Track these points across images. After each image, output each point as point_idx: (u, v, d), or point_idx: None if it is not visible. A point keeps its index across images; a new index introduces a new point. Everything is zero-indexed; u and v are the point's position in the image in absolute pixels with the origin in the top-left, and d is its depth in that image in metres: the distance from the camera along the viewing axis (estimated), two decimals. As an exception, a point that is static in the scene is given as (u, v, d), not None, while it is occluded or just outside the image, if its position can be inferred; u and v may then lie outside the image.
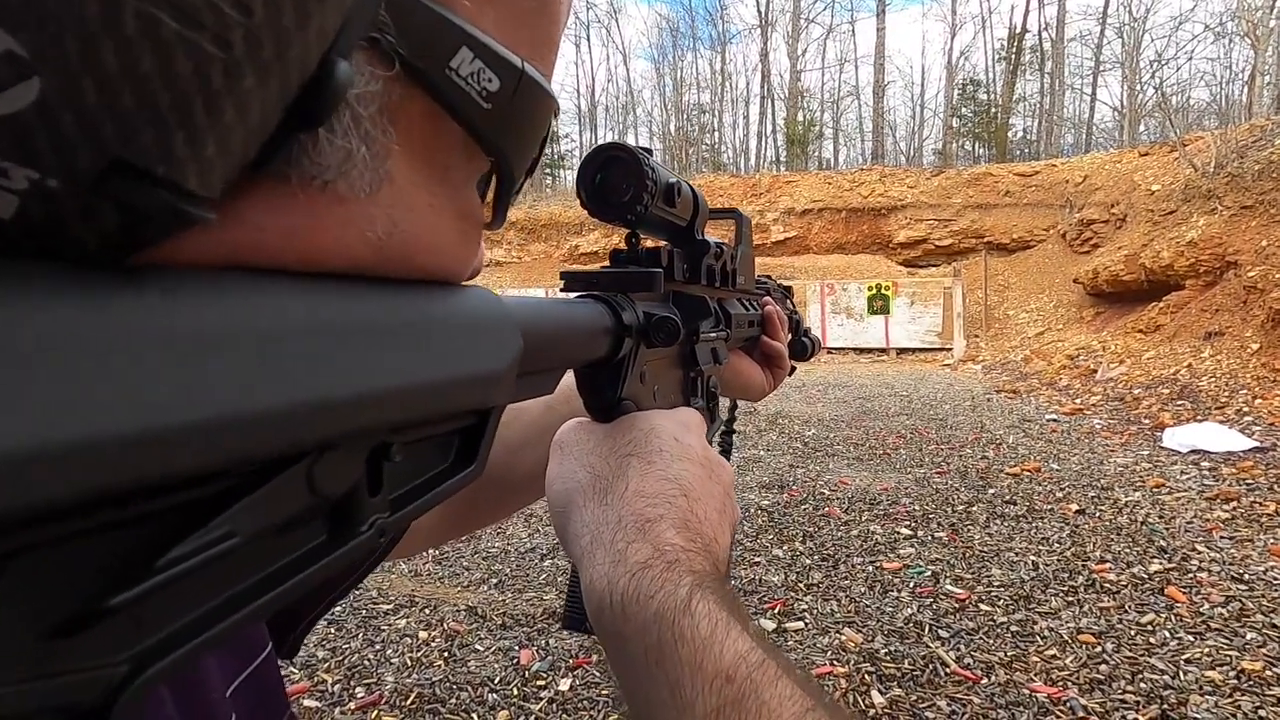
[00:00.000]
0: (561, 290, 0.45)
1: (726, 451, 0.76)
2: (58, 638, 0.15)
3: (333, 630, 2.53)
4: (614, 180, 0.44)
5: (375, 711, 2.05)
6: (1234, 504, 3.60)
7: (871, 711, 1.98)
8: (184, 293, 0.17)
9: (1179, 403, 6.18)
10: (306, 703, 2.10)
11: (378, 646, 2.43)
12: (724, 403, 0.69)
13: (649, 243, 0.50)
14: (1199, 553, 3.01)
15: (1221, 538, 3.17)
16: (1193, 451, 4.68)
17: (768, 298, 0.75)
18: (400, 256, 0.24)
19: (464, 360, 0.26)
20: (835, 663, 2.24)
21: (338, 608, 2.68)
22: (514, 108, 0.25)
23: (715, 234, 0.60)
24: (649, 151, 0.45)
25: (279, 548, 0.20)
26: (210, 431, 0.16)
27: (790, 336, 0.83)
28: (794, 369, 0.84)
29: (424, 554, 3.27)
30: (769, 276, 0.85)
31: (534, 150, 0.28)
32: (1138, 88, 26.87)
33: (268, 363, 0.18)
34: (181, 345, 0.16)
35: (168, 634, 0.17)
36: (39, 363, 0.13)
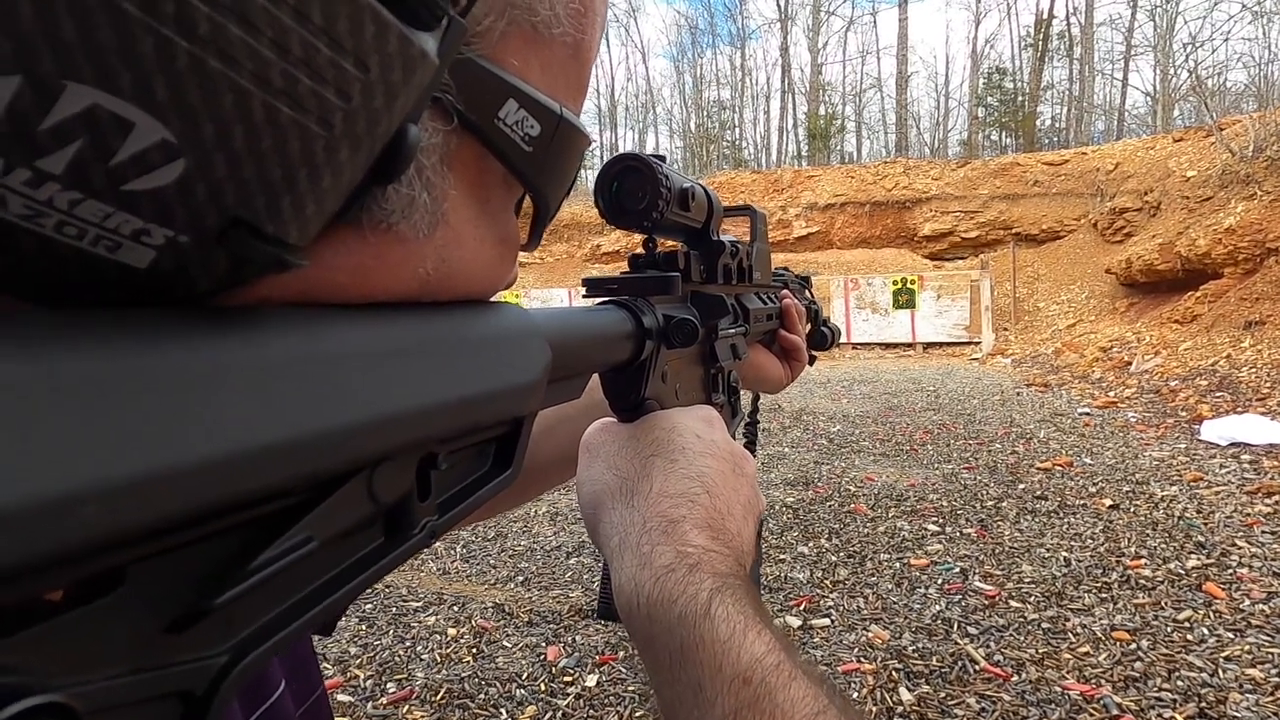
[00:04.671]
0: (583, 297, 0.46)
1: (751, 442, 0.77)
2: (171, 633, 0.17)
3: (364, 627, 2.59)
4: (630, 189, 0.45)
5: (406, 706, 2.09)
6: (1277, 498, 3.49)
7: (900, 709, 1.97)
8: (268, 330, 0.19)
9: (1218, 394, 6.01)
10: (340, 697, 2.15)
11: (408, 643, 2.47)
12: (745, 395, 0.70)
13: (666, 245, 0.51)
14: (1239, 548, 2.92)
15: (1263, 533, 3.08)
16: (1232, 444, 4.54)
17: (785, 290, 0.76)
18: (442, 286, 0.26)
19: (500, 374, 0.28)
20: (863, 660, 2.23)
21: (369, 605, 2.74)
22: (552, 148, 0.27)
23: (734, 231, 0.61)
24: (662, 159, 0.46)
25: (346, 550, 0.23)
26: (294, 450, 0.19)
27: (809, 327, 0.84)
28: (814, 359, 0.84)
29: (452, 552, 3.31)
30: (786, 268, 0.85)
31: (569, 183, 0.30)
32: (1171, 71, 26.12)
33: (338, 388, 0.20)
34: (270, 377, 0.19)
35: (258, 627, 0.19)
36: (152, 397, 0.16)
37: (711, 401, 0.55)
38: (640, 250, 0.50)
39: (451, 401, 0.25)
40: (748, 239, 0.64)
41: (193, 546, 0.18)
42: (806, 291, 0.90)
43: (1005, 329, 13.18)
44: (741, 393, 0.64)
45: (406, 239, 0.24)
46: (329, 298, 0.22)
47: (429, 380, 0.24)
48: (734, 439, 0.50)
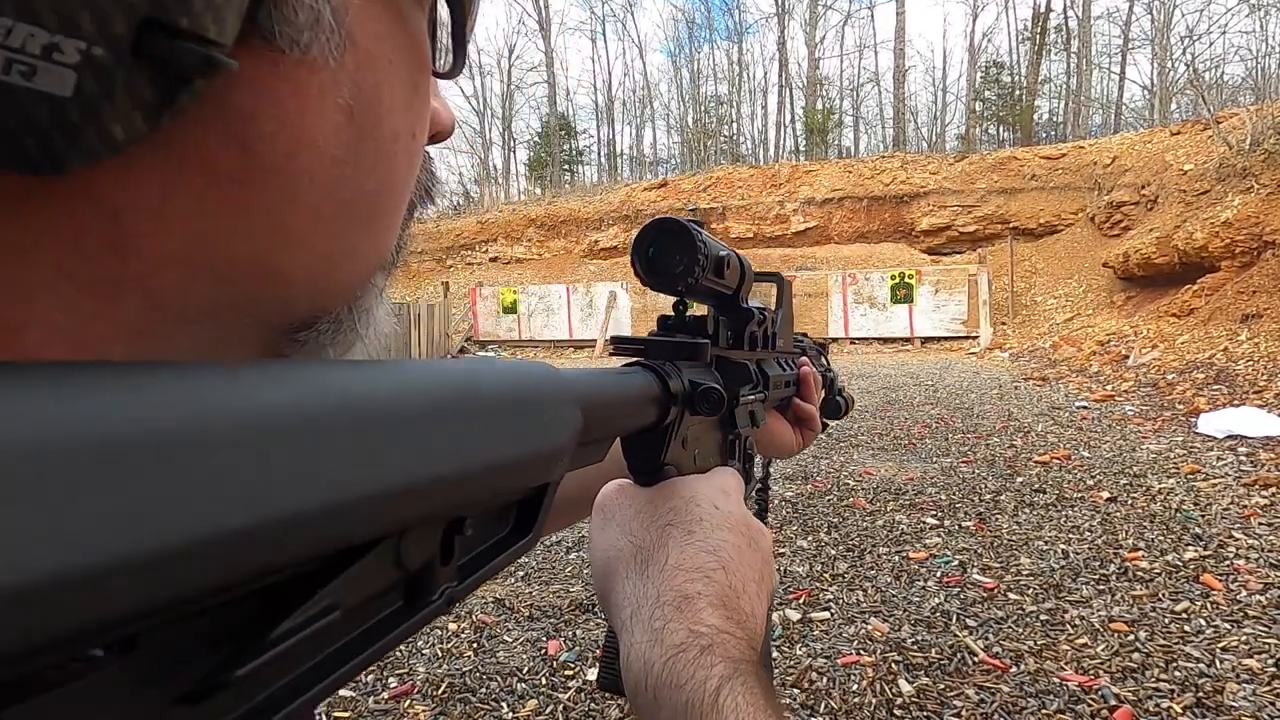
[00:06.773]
0: (610, 355, 0.46)
1: (763, 507, 0.77)
2: (184, 704, 0.16)
3: (365, 623, 2.59)
4: (667, 251, 0.46)
5: (408, 701, 2.09)
6: (1273, 490, 3.51)
7: (899, 700, 1.98)
8: (293, 386, 0.18)
9: (1215, 387, 6.03)
10: (341, 692, 2.15)
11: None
12: (757, 459, 0.70)
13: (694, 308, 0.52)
14: (1236, 539, 2.94)
15: (1260, 524, 3.09)
16: (1229, 437, 4.56)
17: (804, 358, 0.76)
18: (367, 118, 0.25)
19: (533, 439, 0.27)
20: (862, 652, 2.24)
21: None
22: None
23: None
24: (700, 225, 0.47)
25: (364, 616, 0.21)
26: (331, 516, 0.17)
27: (824, 395, 0.84)
28: (826, 426, 0.84)
29: (452, 548, 3.32)
30: (805, 334, 0.85)
31: None
32: (1169, 65, 26.13)
33: (375, 450, 0.19)
34: (308, 437, 0.17)
35: (271, 694, 0.18)
36: (180, 460, 0.14)
37: (727, 467, 0.55)
38: (670, 312, 0.50)
39: (486, 466, 0.23)
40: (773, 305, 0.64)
41: (211, 612, 0.16)
42: (823, 358, 0.90)
43: (1003, 323, 13.20)
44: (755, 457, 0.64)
45: (319, 66, 0.23)
46: (262, 148, 0.22)
47: (465, 443, 0.23)
48: (747, 503, 0.49)
